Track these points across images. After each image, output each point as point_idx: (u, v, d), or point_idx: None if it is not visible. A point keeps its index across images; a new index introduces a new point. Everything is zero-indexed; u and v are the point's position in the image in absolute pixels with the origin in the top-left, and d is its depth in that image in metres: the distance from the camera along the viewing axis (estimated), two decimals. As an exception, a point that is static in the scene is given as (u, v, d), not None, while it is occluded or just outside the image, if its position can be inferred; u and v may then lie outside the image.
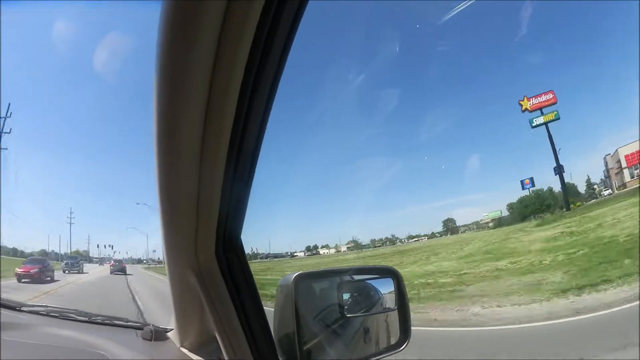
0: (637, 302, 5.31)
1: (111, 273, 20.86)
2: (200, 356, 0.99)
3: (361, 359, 1.07)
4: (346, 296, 1.01)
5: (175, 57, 0.48)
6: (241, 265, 0.76)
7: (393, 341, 1.10)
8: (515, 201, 28.94)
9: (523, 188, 27.31)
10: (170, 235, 0.70)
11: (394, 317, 1.12)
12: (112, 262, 23.60)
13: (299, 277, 0.85)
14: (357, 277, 1.06)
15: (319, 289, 0.98)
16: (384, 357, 1.05)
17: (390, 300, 1.12)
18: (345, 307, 1.00)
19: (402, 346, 1.07)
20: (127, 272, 21.55)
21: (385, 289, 1.11)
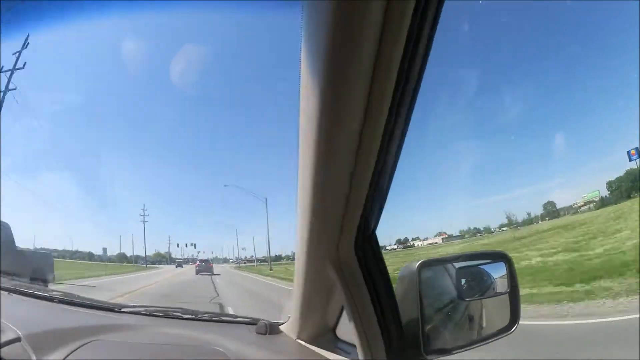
0: None
1: (197, 274, 19.04)
2: (317, 346, 1.04)
3: (475, 341, 1.09)
4: (462, 281, 1.04)
5: (342, 58, 0.50)
6: (376, 259, 0.80)
7: (501, 325, 1.11)
8: (613, 179, 24.02)
9: (630, 159, 22.23)
10: (314, 230, 0.75)
11: (499, 302, 1.13)
12: (198, 262, 21.59)
13: (423, 264, 0.89)
14: (471, 263, 1.07)
15: (437, 275, 1.01)
16: (495, 339, 1.06)
17: (501, 285, 1.12)
18: (462, 291, 1.03)
19: (511, 329, 1.07)
20: (214, 272, 19.97)
21: (497, 273, 1.11)
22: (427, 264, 0.92)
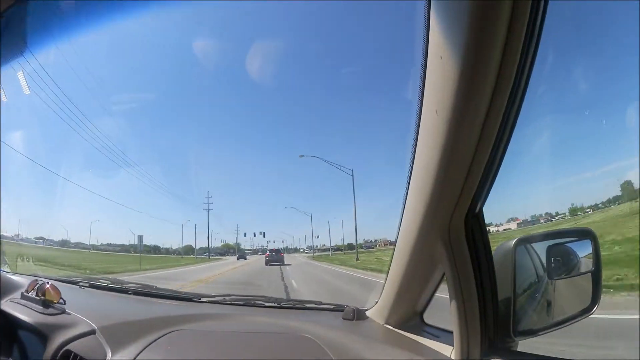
0: None
1: (266, 264, 16.63)
2: (405, 331, 1.03)
3: (558, 322, 1.05)
4: (550, 259, 0.99)
5: (472, 57, 0.55)
6: (482, 234, 0.79)
7: (582, 305, 1.06)
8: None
9: None
10: (430, 207, 0.76)
11: (579, 281, 1.08)
12: (268, 252, 19.31)
13: (519, 241, 0.85)
14: (559, 240, 1.02)
15: (526, 253, 0.97)
16: (577, 321, 1.02)
17: (585, 263, 1.07)
18: (551, 270, 0.98)
19: (592, 310, 1.02)
20: (285, 262, 17.16)
21: (582, 251, 1.05)
22: (523, 241, 0.87)
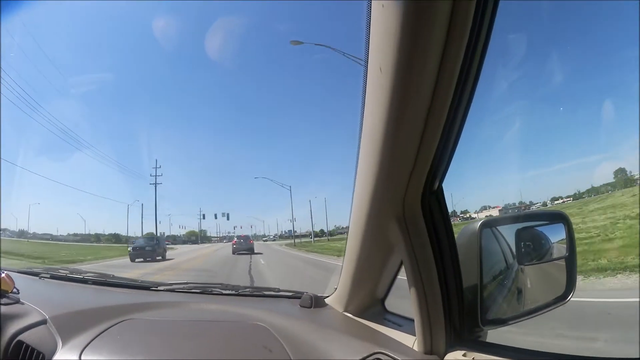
0: None
1: (234, 253, 14.72)
2: (365, 319, 0.99)
3: (531, 311, 1.01)
4: (521, 244, 0.94)
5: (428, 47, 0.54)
6: (442, 214, 0.73)
7: (556, 293, 1.01)
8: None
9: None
10: (380, 186, 0.70)
11: (551, 267, 1.03)
12: (235, 239, 16.81)
13: (484, 224, 0.79)
14: (530, 223, 0.97)
15: (492, 237, 0.91)
16: (550, 309, 0.97)
17: (557, 249, 1.02)
18: (521, 256, 0.93)
19: (567, 298, 0.98)
20: (256, 251, 15.38)
21: (554, 236, 1.01)
22: (488, 224, 0.82)
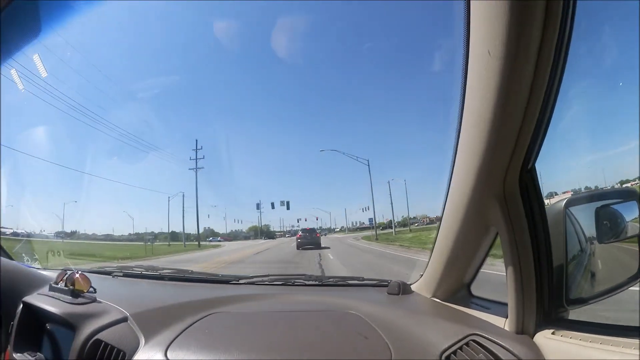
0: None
1: (298, 248, 12.73)
2: (453, 303, 0.99)
3: (609, 290, 1.00)
4: (600, 222, 0.94)
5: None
6: (535, 187, 0.75)
7: (629, 272, 1.00)
8: None
9: None
10: (483, 166, 0.72)
11: (618, 249, 1.02)
12: (300, 233, 14.43)
13: (569, 202, 0.80)
14: (605, 202, 0.97)
15: (574, 216, 0.92)
16: (626, 288, 0.96)
17: (631, 227, 1.01)
18: (601, 234, 0.93)
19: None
20: (323, 245, 13.09)
21: (628, 214, 1.00)
22: (572, 203, 0.82)
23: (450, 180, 0.81)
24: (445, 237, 0.90)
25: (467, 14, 0.62)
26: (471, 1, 0.60)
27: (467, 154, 0.73)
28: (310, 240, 13.50)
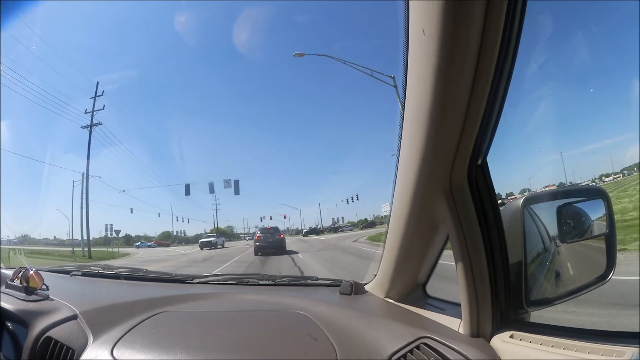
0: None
1: (257, 254, 10.33)
2: (407, 304, 0.97)
3: (574, 291, 0.98)
4: (562, 221, 0.91)
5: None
6: (488, 187, 0.72)
7: (595, 272, 0.98)
8: None
9: None
10: (427, 160, 0.68)
11: (586, 247, 1.00)
12: (258, 233, 11.67)
13: (527, 201, 0.77)
14: (569, 200, 0.94)
15: (534, 214, 0.89)
16: (592, 289, 0.94)
17: (597, 226, 0.99)
18: (563, 233, 0.90)
19: (608, 277, 0.95)
20: (291, 249, 10.86)
21: (594, 213, 0.98)
22: (531, 201, 0.80)
23: (396, 174, 0.77)
24: (394, 235, 0.87)
25: None
26: None
27: (410, 148, 0.69)
28: (272, 243, 10.74)
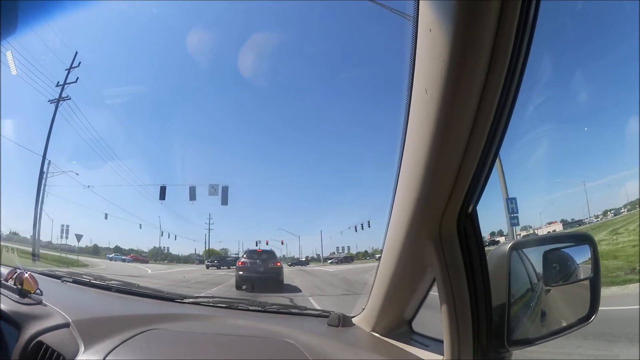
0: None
1: (238, 287, 7.35)
2: (392, 339, 0.99)
3: (555, 332, 1.01)
4: (547, 266, 0.94)
5: (462, 58, 0.54)
6: (476, 235, 0.74)
7: (579, 314, 1.01)
8: None
9: None
10: (419, 206, 0.71)
11: (574, 288, 1.03)
12: (244, 257, 8.32)
13: (514, 246, 0.80)
14: (556, 245, 0.97)
15: (521, 258, 0.92)
16: (574, 330, 0.97)
17: (583, 270, 1.02)
18: (548, 277, 0.94)
19: (590, 319, 0.98)
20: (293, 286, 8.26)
21: (580, 257, 1.01)
22: (517, 247, 0.83)
23: (390, 215, 0.80)
24: (383, 272, 0.89)
25: (413, 51, 0.60)
26: (418, 37, 0.59)
27: (405, 194, 0.72)
28: (263, 273, 7.65)
